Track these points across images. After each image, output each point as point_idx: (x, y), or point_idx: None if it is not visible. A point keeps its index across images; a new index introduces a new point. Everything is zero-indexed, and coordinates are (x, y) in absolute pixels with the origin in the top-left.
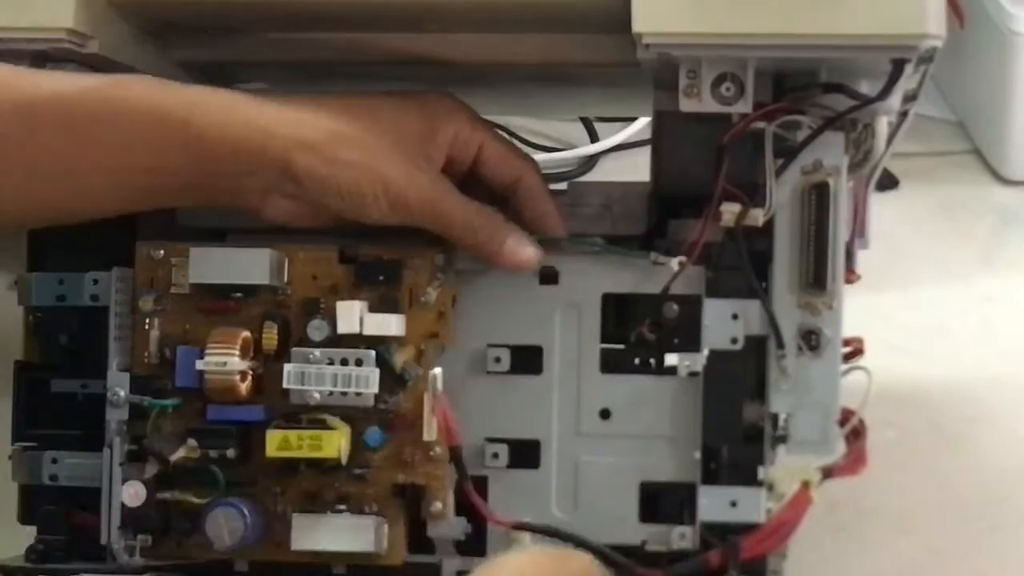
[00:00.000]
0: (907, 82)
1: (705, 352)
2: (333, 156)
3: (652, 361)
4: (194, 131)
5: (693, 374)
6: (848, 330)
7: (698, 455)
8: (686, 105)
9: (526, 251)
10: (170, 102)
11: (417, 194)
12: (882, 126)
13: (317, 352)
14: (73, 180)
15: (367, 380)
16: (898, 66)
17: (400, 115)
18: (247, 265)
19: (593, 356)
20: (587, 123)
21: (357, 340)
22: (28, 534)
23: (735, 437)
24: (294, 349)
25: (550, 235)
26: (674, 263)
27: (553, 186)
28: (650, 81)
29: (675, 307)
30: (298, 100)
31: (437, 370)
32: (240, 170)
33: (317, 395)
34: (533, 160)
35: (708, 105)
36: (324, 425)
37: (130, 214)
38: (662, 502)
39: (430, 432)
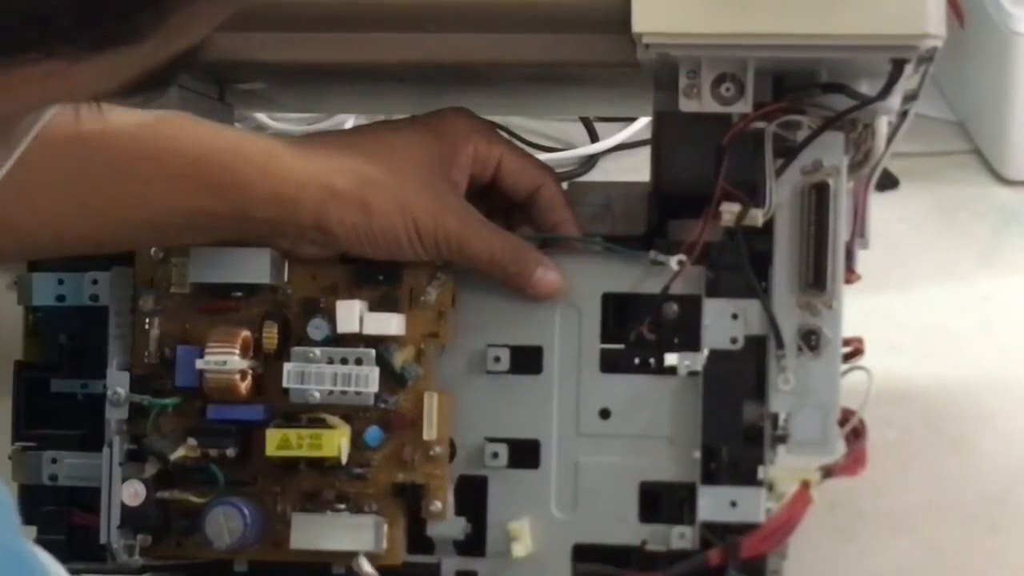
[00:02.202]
0: (907, 82)
1: (705, 352)
2: (366, 205)
3: (652, 361)
4: (235, 177)
5: (693, 374)
6: (848, 330)
7: (698, 455)
8: (686, 105)
9: (554, 279)
10: (215, 145)
11: (444, 233)
12: (882, 126)
13: (317, 351)
14: (115, 215)
15: (367, 379)
16: (898, 66)
17: (420, 144)
18: (247, 265)
19: (593, 356)
20: (587, 123)
21: (357, 339)
22: (28, 534)
23: (735, 437)
24: (294, 348)
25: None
26: (674, 263)
27: None
28: (650, 81)
29: (675, 307)
30: (326, 143)
31: None
32: (275, 218)
33: (317, 394)
34: (551, 169)
35: (708, 105)
36: (324, 424)
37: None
38: (662, 502)
39: (430, 431)
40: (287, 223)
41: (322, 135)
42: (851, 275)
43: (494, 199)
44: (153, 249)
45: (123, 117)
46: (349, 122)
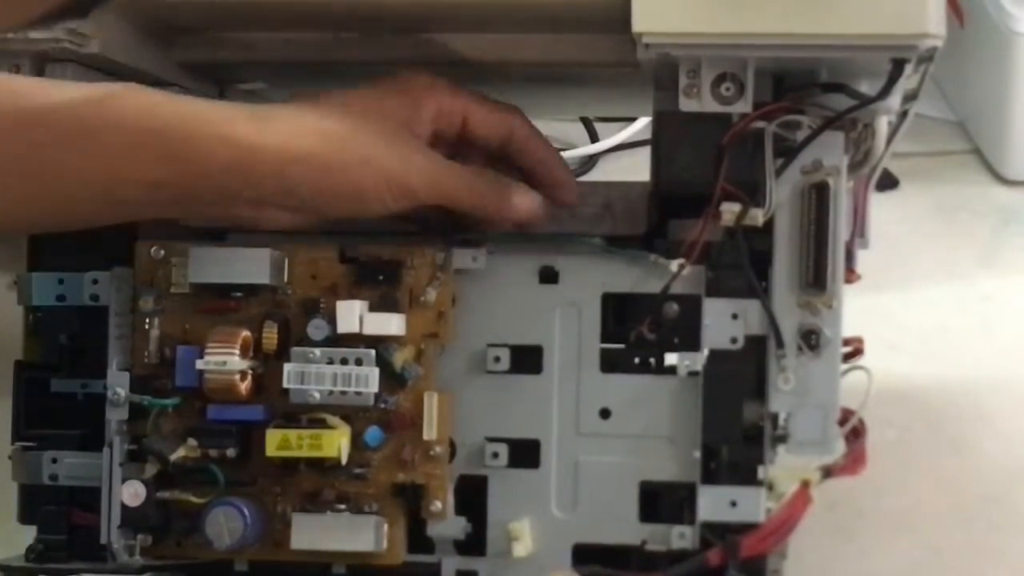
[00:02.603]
0: (907, 82)
1: (705, 352)
2: (327, 164)
3: (652, 361)
4: (192, 146)
5: (693, 374)
6: (848, 330)
7: (698, 455)
8: (686, 105)
9: (533, 201)
10: (166, 116)
11: (419, 177)
12: (882, 126)
13: (317, 352)
14: (69, 190)
15: (367, 379)
16: (898, 66)
17: (380, 102)
18: (247, 265)
19: (593, 356)
20: (587, 123)
21: (357, 340)
22: (28, 534)
23: (735, 437)
24: (294, 349)
25: (551, 180)
26: (674, 267)
27: None
28: (650, 81)
29: (675, 307)
30: (282, 109)
31: None
32: (235, 186)
33: (317, 395)
34: (518, 110)
35: (708, 105)
36: (324, 425)
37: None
38: (662, 502)
39: (430, 431)
40: (248, 189)
41: (283, 104)
42: (851, 275)
43: (472, 157)
44: (152, 248)
45: (72, 92)
46: None
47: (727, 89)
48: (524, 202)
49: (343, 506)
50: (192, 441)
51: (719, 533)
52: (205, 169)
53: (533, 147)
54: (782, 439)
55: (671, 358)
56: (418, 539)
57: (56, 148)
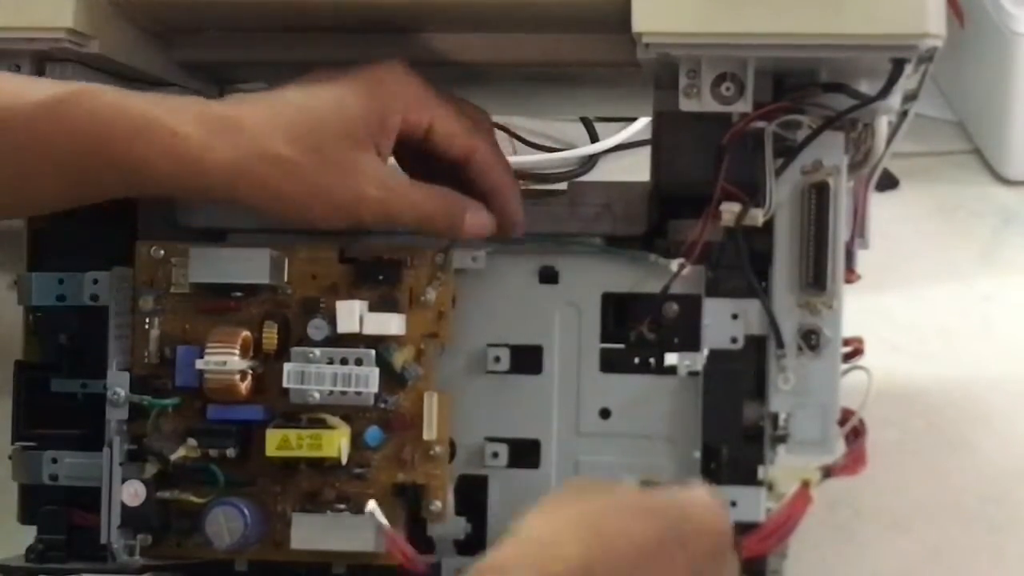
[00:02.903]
0: (907, 82)
1: (705, 352)
2: (277, 191)
3: (652, 361)
4: (136, 157)
5: (693, 374)
6: (848, 330)
7: (698, 454)
8: (686, 105)
9: (484, 220)
10: (117, 123)
11: (368, 209)
12: (882, 126)
13: (317, 352)
14: (22, 186)
15: (367, 380)
16: (898, 66)
17: (347, 107)
18: (247, 265)
19: (593, 356)
20: (587, 123)
21: (357, 340)
22: (28, 534)
23: (735, 437)
24: (294, 349)
25: (504, 201)
26: (674, 266)
27: (553, 186)
28: (650, 81)
29: (675, 307)
30: (243, 112)
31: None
32: (182, 193)
33: (317, 395)
34: (487, 130)
35: (708, 105)
36: (324, 425)
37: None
38: None
39: (430, 431)
40: (197, 195)
41: (249, 95)
42: (851, 275)
43: (430, 164)
44: (152, 248)
45: (29, 95)
46: None
47: (727, 89)
48: (476, 222)
49: (343, 506)
50: (192, 441)
51: None
52: (151, 179)
53: (492, 175)
54: (782, 439)
55: (671, 358)
56: (418, 539)
57: (11, 152)
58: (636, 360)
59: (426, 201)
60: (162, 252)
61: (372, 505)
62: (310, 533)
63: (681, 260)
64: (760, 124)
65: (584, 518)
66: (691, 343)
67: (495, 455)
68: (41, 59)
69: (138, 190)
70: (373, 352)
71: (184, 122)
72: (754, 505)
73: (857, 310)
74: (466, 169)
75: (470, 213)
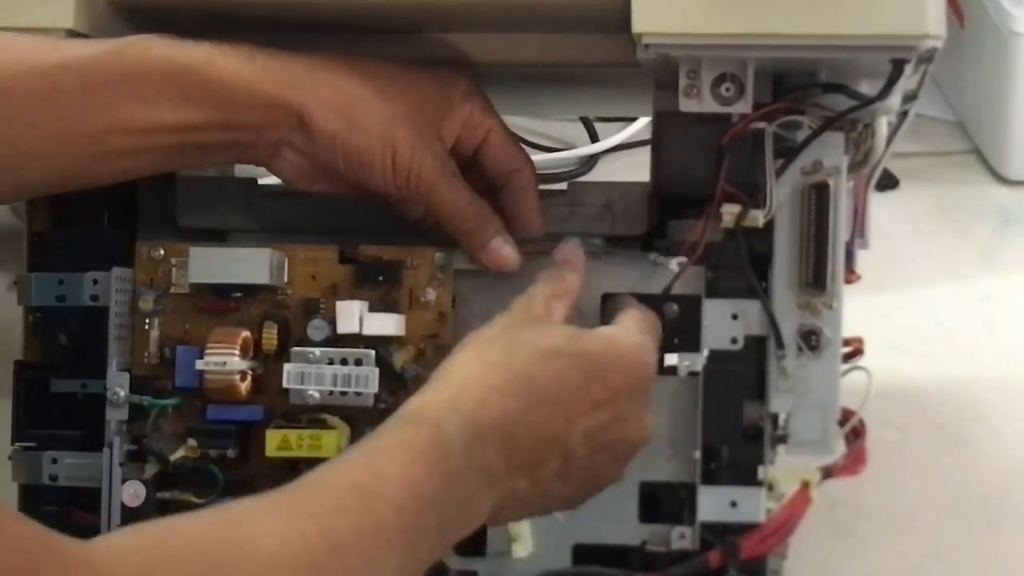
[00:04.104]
0: (907, 82)
1: (705, 352)
2: (351, 118)
3: None
4: (213, 85)
5: (693, 374)
6: (848, 330)
7: (698, 455)
8: (686, 105)
9: (509, 253)
10: (190, 56)
11: (419, 169)
12: (882, 126)
13: (317, 352)
14: (97, 143)
15: (367, 380)
16: (898, 66)
17: (420, 88)
18: (247, 265)
19: None
20: (587, 123)
21: (357, 340)
22: None
23: (735, 437)
24: (294, 349)
25: (526, 230)
26: (674, 265)
27: (553, 186)
28: (650, 81)
29: (675, 307)
30: (325, 59)
31: None
32: (261, 120)
33: (317, 395)
34: (530, 160)
35: (708, 105)
36: (324, 425)
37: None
38: (662, 502)
39: None
40: (269, 126)
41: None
42: (851, 275)
43: (470, 180)
44: (152, 248)
45: (92, 46)
46: None
47: (727, 89)
48: (500, 250)
49: None
50: (192, 441)
51: (719, 534)
52: (230, 106)
53: (528, 194)
54: (782, 439)
55: (671, 359)
56: None
57: (78, 100)
58: None
59: (469, 199)
60: (162, 252)
61: None
62: None
63: (681, 260)
64: (760, 125)
65: (511, 370)
66: (691, 343)
67: None
68: None
69: (217, 132)
70: (373, 352)
71: (261, 51)
72: (754, 506)
73: (857, 310)
74: (506, 185)
75: (500, 237)
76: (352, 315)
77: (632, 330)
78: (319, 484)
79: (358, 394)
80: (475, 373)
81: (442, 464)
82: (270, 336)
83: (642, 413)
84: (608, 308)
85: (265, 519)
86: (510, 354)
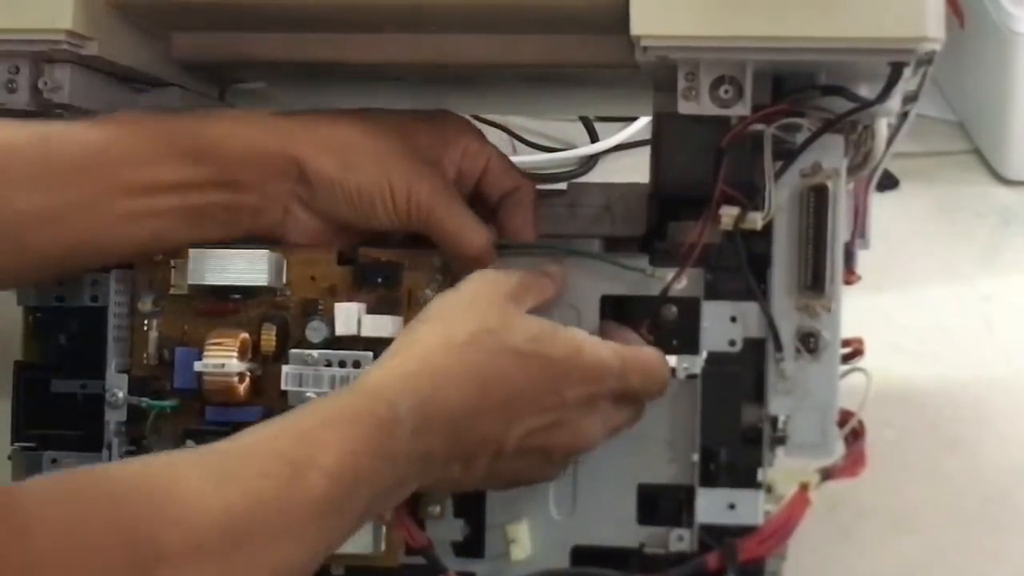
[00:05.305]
0: (907, 84)
1: (703, 354)
2: (345, 160)
3: None
4: (205, 140)
5: (691, 376)
6: (848, 330)
7: (696, 457)
8: (684, 107)
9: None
10: (178, 118)
11: (417, 198)
12: (882, 128)
13: (315, 354)
14: (94, 216)
15: None
16: (896, 69)
17: (414, 128)
18: (246, 267)
19: None
20: (587, 123)
21: (355, 342)
22: None
23: (733, 439)
24: (292, 351)
25: (520, 239)
26: (669, 275)
27: (553, 186)
28: (650, 82)
29: (673, 309)
30: (317, 113)
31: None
32: (260, 175)
33: (315, 396)
34: (530, 182)
35: (706, 107)
36: None
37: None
38: (660, 504)
39: None
40: (270, 180)
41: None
42: (851, 275)
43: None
44: None
45: (74, 125)
46: None
47: (726, 92)
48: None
49: None
50: (191, 443)
51: (717, 536)
52: (226, 160)
53: (527, 209)
54: (781, 441)
55: (670, 361)
56: None
57: (73, 166)
58: None
59: (469, 224)
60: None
61: None
62: None
63: (676, 270)
64: (759, 127)
65: (471, 362)
66: (690, 346)
67: None
68: (41, 60)
69: (218, 192)
70: (371, 354)
71: (253, 111)
72: (753, 508)
73: (857, 310)
74: (505, 201)
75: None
76: (351, 317)
77: (603, 346)
78: (251, 447)
79: None
80: (438, 353)
81: (386, 444)
82: (269, 338)
83: (586, 422)
84: (606, 330)
85: (192, 480)
86: (474, 343)
